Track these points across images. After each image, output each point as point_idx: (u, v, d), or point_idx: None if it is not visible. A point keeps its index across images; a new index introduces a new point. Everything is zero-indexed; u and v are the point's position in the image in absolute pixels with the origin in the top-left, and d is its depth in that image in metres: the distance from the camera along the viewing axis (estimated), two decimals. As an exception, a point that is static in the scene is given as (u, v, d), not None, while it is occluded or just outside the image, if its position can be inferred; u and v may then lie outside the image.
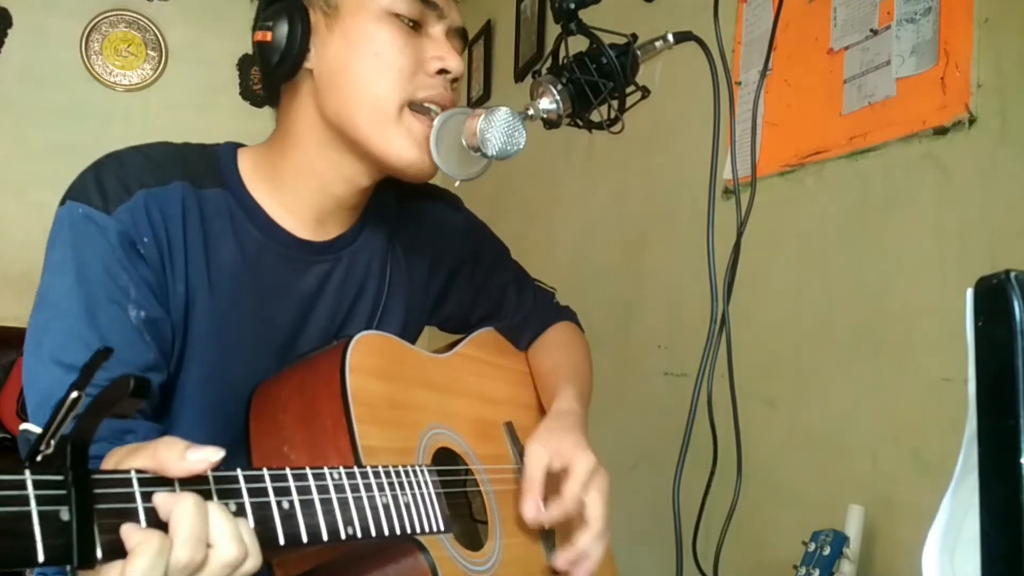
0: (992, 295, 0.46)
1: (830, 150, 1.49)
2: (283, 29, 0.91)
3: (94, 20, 3.60)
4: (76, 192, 0.87)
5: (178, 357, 0.91)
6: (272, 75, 0.95)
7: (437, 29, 0.95)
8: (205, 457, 0.61)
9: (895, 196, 1.36)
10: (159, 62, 3.69)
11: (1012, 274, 0.45)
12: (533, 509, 0.99)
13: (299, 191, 0.96)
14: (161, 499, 0.59)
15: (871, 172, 1.41)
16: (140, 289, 0.85)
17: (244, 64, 3.78)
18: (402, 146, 0.92)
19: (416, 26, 0.93)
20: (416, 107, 0.92)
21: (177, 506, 0.59)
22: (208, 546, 0.60)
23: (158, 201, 0.88)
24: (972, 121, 1.23)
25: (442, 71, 0.93)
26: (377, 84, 0.91)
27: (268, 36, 0.92)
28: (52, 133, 3.48)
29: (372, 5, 0.91)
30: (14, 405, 2.95)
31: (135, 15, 3.65)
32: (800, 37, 1.57)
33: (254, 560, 0.63)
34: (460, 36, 0.98)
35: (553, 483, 1.01)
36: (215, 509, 0.61)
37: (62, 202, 0.87)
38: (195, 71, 3.71)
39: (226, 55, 3.75)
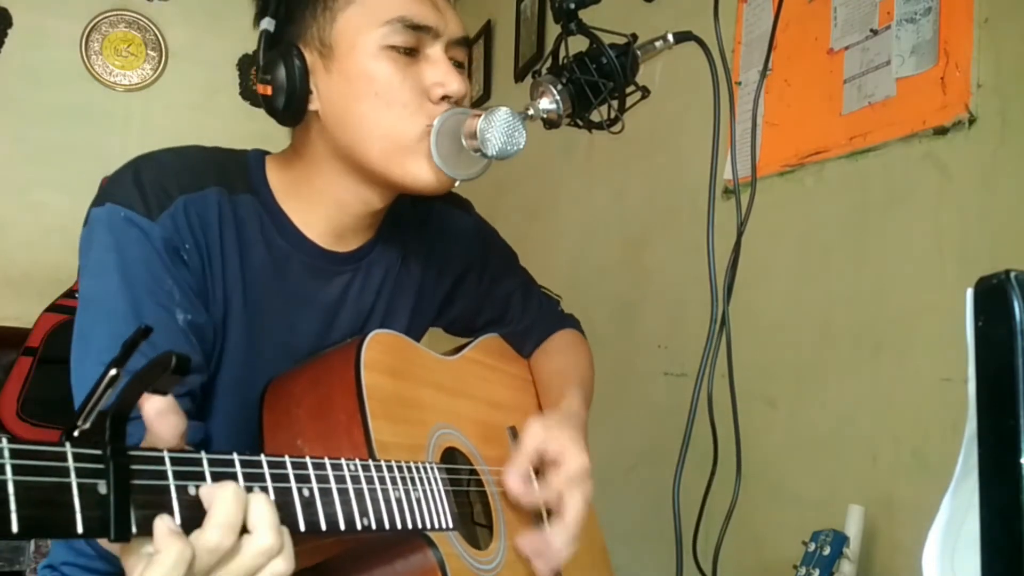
0: (992, 295, 0.46)
1: (830, 150, 1.49)
2: (281, 77, 0.91)
3: (94, 20, 3.60)
4: (115, 195, 0.87)
5: (216, 360, 0.92)
6: (281, 123, 0.95)
7: (435, 49, 0.93)
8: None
9: (895, 196, 1.36)
10: (159, 62, 3.68)
11: (1012, 274, 0.45)
12: (516, 480, 0.97)
13: (318, 209, 0.97)
14: (204, 490, 0.60)
15: (871, 172, 1.41)
16: (184, 293, 0.86)
17: (244, 64, 3.77)
18: (419, 170, 0.91)
19: (412, 51, 0.91)
20: None
21: (217, 491, 0.60)
22: (246, 531, 0.60)
23: (197, 207, 0.89)
24: (972, 121, 1.23)
25: (444, 96, 0.92)
26: (384, 122, 0.90)
27: (269, 90, 0.92)
28: (52, 133, 3.47)
29: (365, 42, 0.90)
30: (14, 405, 2.94)
31: (135, 15, 3.65)
32: (800, 37, 1.57)
33: (287, 558, 0.62)
34: (462, 45, 0.96)
35: (539, 468, 1.00)
36: (259, 498, 0.62)
37: (99, 203, 0.87)
38: (195, 71, 3.71)
39: (226, 55, 3.75)
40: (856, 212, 1.43)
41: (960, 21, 1.25)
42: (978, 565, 0.46)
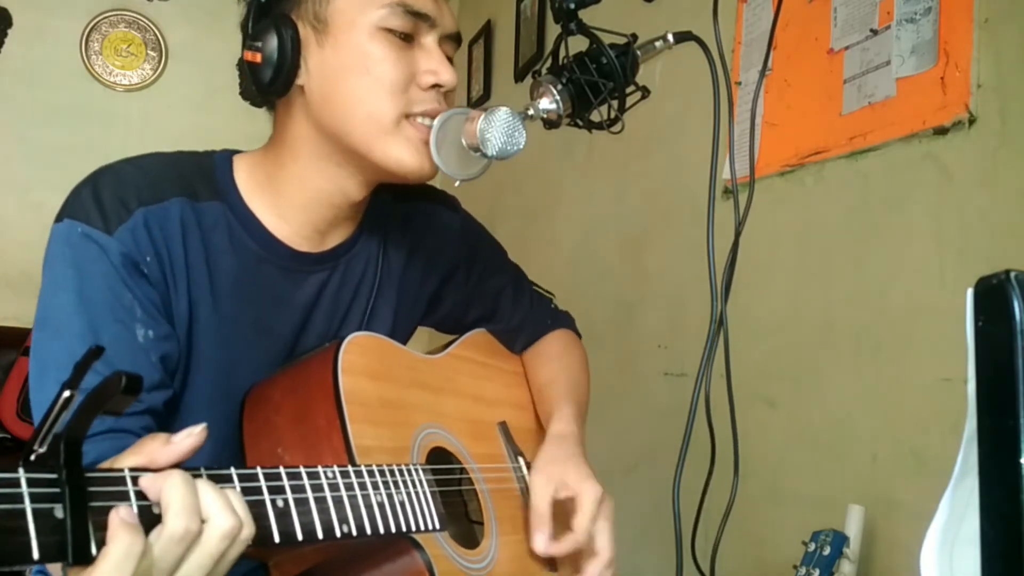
0: (992, 295, 0.46)
1: (830, 150, 1.49)
2: (272, 46, 0.90)
3: (94, 20, 3.60)
4: (74, 210, 0.85)
5: (183, 373, 0.91)
6: (266, 93, 0.94)
7: (429, 39, 0.93)
8: (188, 431, 0.62)
9: (895, 196, 1.36)
10: (159, 62, 3.68)
11: (1012, 274, 0.45)
12: (543, 543, 1.00)
13: (297, 204, 0.96)
14: (147, 480, 0.59)
15: (871, 172, 1.41)
16: (145, 308, 0.85)
17: (244, 64, 3.77)
18: (402, 154, 0.91)
19: (407, 37, 0.92)
20: (412, 118, 0.91)
21: (166, 482, 0.59)
22: (203, 521, 0.60)
23: (158, 219, 0.87)
24: (972, 121, 1.23)
25: (435, 85, 0.92)
26: (371, 101, 0.90)
27: (258, 57, 0.91)
28: (52, 133, 3.47)
29: (363, 21, 0.90)
30: (14, 405, 2.95)
31: (135, 15, 3.65)
32: (800, 37, 1.57)
33: (249, 528, 0.63)
34: (453, 40, 0.96)
35: (559, 512, 1.01)
36: (204, 484, 0.61)
37: (59, 219, 0.86)
38: (195, 71, 3.71)
39: (226, 55, 3.74)
40: (856, 212, 1.43)
41: (960, 21, 1.25)
42: (977, 564, 0.46)
